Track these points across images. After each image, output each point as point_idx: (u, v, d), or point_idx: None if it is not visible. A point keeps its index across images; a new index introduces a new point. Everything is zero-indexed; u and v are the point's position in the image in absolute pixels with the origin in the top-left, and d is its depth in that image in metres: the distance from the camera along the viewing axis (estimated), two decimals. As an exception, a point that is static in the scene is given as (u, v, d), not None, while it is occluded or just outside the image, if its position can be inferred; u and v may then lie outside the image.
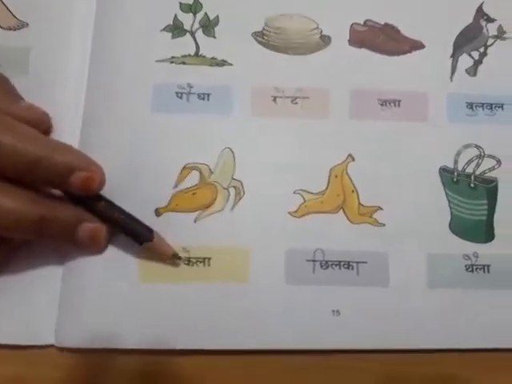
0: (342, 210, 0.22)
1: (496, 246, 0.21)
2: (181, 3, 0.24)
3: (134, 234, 0.20)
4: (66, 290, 0.20)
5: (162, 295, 0.20)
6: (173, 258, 0.21)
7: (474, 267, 0.21)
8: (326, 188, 0.22)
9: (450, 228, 0.21)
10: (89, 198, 0.20)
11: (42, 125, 0.21)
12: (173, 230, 0.21)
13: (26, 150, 0.18)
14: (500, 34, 0.24)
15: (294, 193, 0.22)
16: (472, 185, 0.22)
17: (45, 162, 0.19)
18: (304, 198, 0.22)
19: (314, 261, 0.21)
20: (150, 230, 0.21)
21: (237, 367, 0.20)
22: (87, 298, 0.20)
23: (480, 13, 0.24)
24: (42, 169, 0.19)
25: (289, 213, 0.21)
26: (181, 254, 0.21)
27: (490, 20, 0.24)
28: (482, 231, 0.22)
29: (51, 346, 0.20)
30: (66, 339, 0.20)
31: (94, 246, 0.21)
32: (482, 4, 0.24)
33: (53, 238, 0.20)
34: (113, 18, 0.24)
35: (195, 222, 0.21)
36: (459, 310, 0.21)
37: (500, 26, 0.24)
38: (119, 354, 0.20)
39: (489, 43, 0.24)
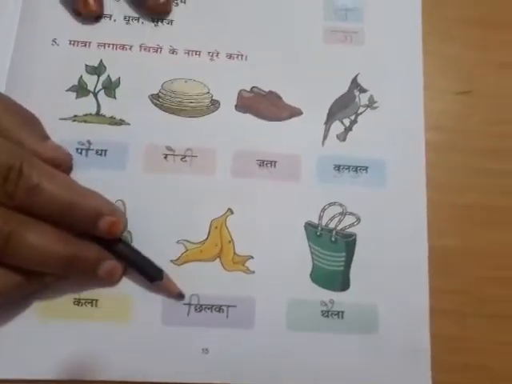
0: (218, 259, 0.25)
1: (350, 294, 0.24)
2: (87, 65, 0.26)
3: (146, 273, 0.23)
4: None
5: (55, 331, 0.23)
6: (178, 297, 0.23)
7: (330, 313, 0.24)
8: (206, 238, 0.25)
9: (311, 277, 0.25)
10: (109, 240, 0.23)
11: (65, 165, 0.24)
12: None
13: (63, 197, 0.21)
14: (370, 104, 0.27)
15: (177, 242, 0.24)
16: (333, 238, 0.25)
17: (77, 207, 0.21)
18: (186, 247, 0.25)
19: (189, 304, 0.24)
20: (160, 271, 0.23)
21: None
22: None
23: (354, 83, 0.27)
24: (75, 213, 0.21)
25: (171, 261, 0.24)
26: (73, 296, 0.23)
27: (362, 90, 0.27)
28: (339, 281, 0.25)
29: None
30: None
31: (110, 281, 0.23)
32: (357, 75, 0.27)
33: (76, 274, 0.23)
34: (26, 76, 0.26)
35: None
36: (314, 352, 0.24)
37: (371, 96, 0.27)
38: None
39: (360, 111, 0.27)
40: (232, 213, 0.25)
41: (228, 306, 0.24)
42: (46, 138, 0.24)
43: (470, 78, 0.29)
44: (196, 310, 0.24)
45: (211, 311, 0.24)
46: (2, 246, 0.20)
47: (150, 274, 0.23)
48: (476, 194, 0.27)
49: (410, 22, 0.29)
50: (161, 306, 0.24)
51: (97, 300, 0.24)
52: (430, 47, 0.29)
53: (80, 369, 0.23)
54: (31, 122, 0.23)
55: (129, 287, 0.24)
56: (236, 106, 0.26)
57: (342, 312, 0.24)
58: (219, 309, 0.24)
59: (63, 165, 0.23)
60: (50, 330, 0.23)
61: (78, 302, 0.23)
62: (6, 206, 0.21)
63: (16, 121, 0.22)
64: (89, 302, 0.24)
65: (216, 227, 0.25)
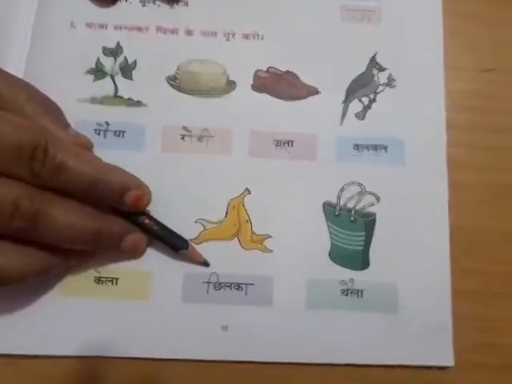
0: (236, 238, 0.25)
1: (370, 273, 0.24)
2: (104, 47, 0.27)
3: (171, 244, 0.24)
4: None
5: (75, 308, 0.23)
6: (203, 264, 0.24)
7: (349, 291, 0.24)
8: (225, 217, 0.25)
9: (330, 256, 0.24)
10: (133, 213, 0.23)
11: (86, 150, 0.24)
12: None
13: (89, 173, 0.21)
14: (389, 82, 0.27)
15: (196, 222, 0.25)
16: (352, 218, 0.25)
17: (103, 182, 0.22)
18: (204, 227, 0.25)
19: (208, 282, 0.24)
20: (184, 240, 0.24)
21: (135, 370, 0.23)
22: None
23: (373, 62, 0.27)
24: (101, 189, 0.22)
25: (190, 239, 0.24)
26: (93, 275, 0.24)
27: (381, 69, 0.27)
28: (359, 260, 0.24)
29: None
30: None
31: (134, 254, 0.24)
32: (375, 54, 0.27)
33: (102, 248, 0.23)
34: (44, 59, 0.26)
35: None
36: (333, 330, 0.24)
37: (390, 74, 0.27)
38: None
39: (378, 90, 0.27)
40: (249, 192, 0.25)
41: (246, 284, 0.24)
42: (67, 126, 0.24)
43: (493, 56, 0.28)
44: (215, 287, 0.24)
45: (230, 289, 0.24)
46: (30, 223, 0.20)
47: (175, 244, 0.24)
48: (499, 174, 0.26)
49: (430, 1, 0.28)
50: (181, 283, 0.24)
51: (117, 278, 0.24)
52: (451, 25, 0.28)
53: (99, 346, 0.23)
54: (53, 111, 0.24)
55: (149, 266, 0.24)
56: (252, 86, 0.26)
57: (362, 290, 0.24)
58: (238, 286, 0.24)
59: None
60: (70, 307, 0.23)
61: (98, 280, 0.24)
62: (32, 185, 0.21)
63: (39, 109, 0.22)
64: (109, 280, 0.24)
65: (234, 207, 0.25)
